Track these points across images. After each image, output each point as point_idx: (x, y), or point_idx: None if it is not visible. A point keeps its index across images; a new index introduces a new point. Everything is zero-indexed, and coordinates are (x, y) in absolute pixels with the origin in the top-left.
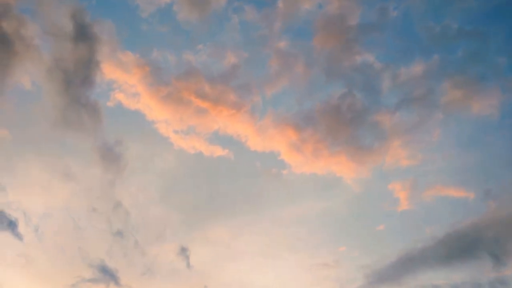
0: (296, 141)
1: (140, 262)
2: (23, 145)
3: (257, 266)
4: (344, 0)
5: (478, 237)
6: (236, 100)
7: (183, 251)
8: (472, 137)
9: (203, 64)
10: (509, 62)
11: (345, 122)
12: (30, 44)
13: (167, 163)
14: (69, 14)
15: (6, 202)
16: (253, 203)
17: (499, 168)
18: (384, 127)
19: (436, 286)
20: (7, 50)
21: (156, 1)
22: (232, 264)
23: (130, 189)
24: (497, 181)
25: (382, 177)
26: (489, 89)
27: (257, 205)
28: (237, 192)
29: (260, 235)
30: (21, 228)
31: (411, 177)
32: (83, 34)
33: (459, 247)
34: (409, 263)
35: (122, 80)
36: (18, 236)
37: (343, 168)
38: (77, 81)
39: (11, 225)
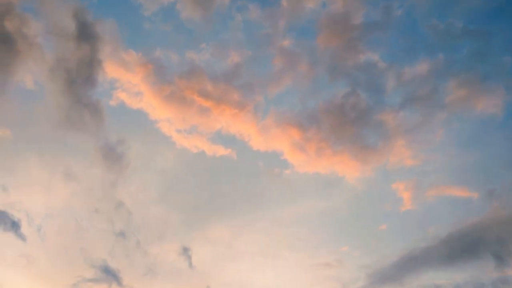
0: (299, 141)
1: (142, 262)
2: (25, 145)
3: (259, 265)
4: None
5: (481, 237)
6: (239, 99)
7: (185, 251)
8: (476, 137)
9: (206, 63)
10: None
11: (349, 121)
12: (32, 43)
13: (169, 163)
14: (71, 13)
15: (8, 202)
16: (255, 202)
17: (502, 168)
18: (387, 126)
19: (438, 286)
20: (9, 49)
21: (159, 0)
22: (234, 263)
23: (132, 188)
24: (501, 181)
25: (385, 177)
26: (493, 88)
27: (259, 204)
28: (239, 192)
29: (262, 234)
30: (23, 228)
31: (415, 177)
32: (85, 33)
33: (462, 247)
34: (412, 263)
35: (125, 79)
36: (20, 236)
37: (346, 168)
38: (79, 80)
39: (13, 225)
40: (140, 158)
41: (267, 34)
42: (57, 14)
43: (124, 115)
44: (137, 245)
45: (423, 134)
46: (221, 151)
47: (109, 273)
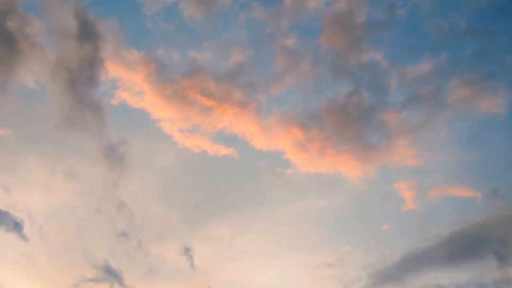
0: (302, 140)
1: (143, 262)
2: (26, 144)
3: (260, 265)
4: None
5: (483, 237)
6: (241, 98)
7: (187, 251)
8: (479, 136)
9: (208, 62)
10: None
11: (351, 120)
12: (34, 42)
13: (170, 162)
14: (73, 12)
15: (9, 202)
16: (256, 202)
17: (506, 168)
18: (390, 126)
19: (440, 286)
20: (11, 49)
21: None
22: (235, 263)
23: (134, 188)
24: (504, 181)
25: (387, 177)
26: (497, 87)
27: (261, 204)
28: (241, 191)
29: (263, 234)
30: (24, 228)
31: (417, 177)
32: (87, 32)
33: (464, 247)
34: (414, 262)
35: (127, 78)
36: (21, 236)
37: (348, 167)
38: (81, 80)
39: (15, 226)
40: (142, 157)
41: (270, 33)
42: (58, 13)
43: (125, 114)
44: (138, 245)
45: (426, 133)
46: (223, 150)
47: (110, 273)
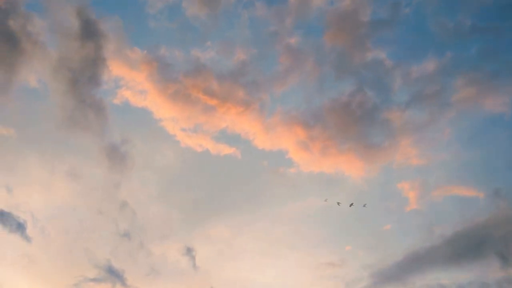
0: (305, 139)
1: (145, 261)
2: (29, 144)
3: (262, 264)
4: None
5: (486, 236)
6: (244, 97)
7: (189, 251)
8: (483, 136)
9: (211, 61)
10: None
11: (355, 120)
12: (36, 41)
13: (173, 162)
14: (76, 11)
15: (11, 202)
16: (259, 202)
17: (509, 167)
18: (394, 125)
19: (442, 285)
20: (13, 48)
21: None
22: (237, 262)
23: (136, 188)
24: (507, 180)
25: (390, 176)
26: (502, 86)
27: (263, 204)
28: (243, 191)
29: (266, 233)
30: (27, 228)
31: (421, 177)
32: (89, 31)
33: (467, 247)
34: (416, 262)
35: (129, 77)
36: (24, 237)
37: (351, 167)
38: (83, 79)
39: (16, 226)
40: (144, 157)
41: (274, 31)
42: (61, 12)
43: (128, 113)
44: (140, 244)
45: (430, 133)
46: (225, 150)
47: (112, 273)
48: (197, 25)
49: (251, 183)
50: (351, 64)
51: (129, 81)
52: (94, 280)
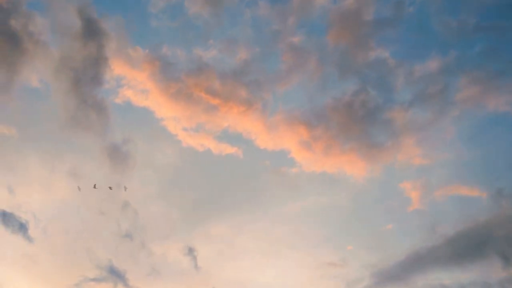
0: (307, 139)
1: (147, 262)
2: (30, 144)
3: (264, 264)
4: None
5: (489, 236)
6: (246, 97)
7: (191, 250)
8: (486, 135)
9: (214, 60)
10: None
11: (357, 119)
12: (38, 40)
13: (174, 161)
14: (77, 10)
15: (13, 203)
16: (261, 201)
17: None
18: (397, 124)
19: (444, 285)
20: (15, 47)
21: None
22: (239, 262)
23: (137, 187)
24: (510, 180)
25: (393, 176)
26: (506, 85)
27: (265, 203)
28: (246, 191)
29: (267, 233)
30: (26, 227)
31: (423, 176)
32: (92, 30)
33: (469, 247)
34: (417, 262)
35: (131, 76)
36: (24, 236)
37: (353, 167)
38: (85, 78)
39: (19, 226)
40: (145, 156)
41: (277, 30)
42: (63, 11)
43: (130, 113)
44: (142, 244)
45: (433, 132)
46: (227, 149)
47: (112, 272)
48: (200, 24)
49: (253, 182)
50: (354, 63)
51: (131, 80)
52: (95, 280)
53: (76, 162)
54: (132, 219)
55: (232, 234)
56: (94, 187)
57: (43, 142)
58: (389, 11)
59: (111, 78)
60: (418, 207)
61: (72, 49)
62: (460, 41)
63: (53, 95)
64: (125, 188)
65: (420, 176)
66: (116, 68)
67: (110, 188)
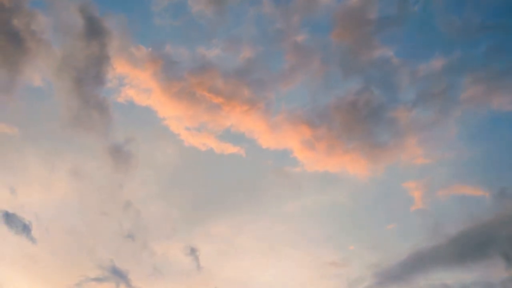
0: (310, 138)
1: (148, 262)
2: (32, 143)
3: (265, 263)
4: None
5: (491, 236)
6: (250, 96)
7: (193, 251)
8: (490, 135)
9: (217, 59)
10: None
11: (361, 119)
12: (40, 39)
13: (176, 161)
14: (80, 8)
15: (14, 203)
16: (263, 201)
17: None
18: (400, 124)
19: (447, 285)
20: (17, 46)
21: None
22: (241, 262)
23: (139, 187)
24: None
25: (396, 176)
26: (510, 85)
27: (267, 203)
28: (249, 190)
29: (269, 233)
30: (29, 228)
31: (426, 176)
32: (94, 29)
33: (472, 247)
34: (420, 262)
35: (134, 75)
36: (26, 237)
37: (356, 166)
38: (87, 77)
39: (20, 226)
40: (147, 156)
41: (281, 29)
42: (65, 10)
43: (132, 112)
44: (143, 244)
45: (437, 132)
46: (230, 149)
47: (114, 272)
48: (203, 23)
49: (255, 182)
50: (358, 62)
51: (133, 79)
52: (96, 279)
53: (78, 162)
54: (134, 218)
55: (234, 233)
56: None
57: (45, 142)
58: (393, 10)
59: (114, 77)
60: (421, 207)
61: (74, 48)
62: (465, 40)
63: (55, 94)
64: None
65: (423, 176)
66: (119, 67)
67: None
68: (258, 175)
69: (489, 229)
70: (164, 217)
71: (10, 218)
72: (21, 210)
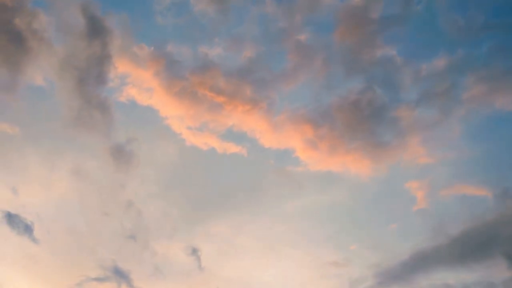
0: (312, 138)
1: (150, 261)
2: (33, 143)
3: (267, 263)
4: None
5: (494, 236)
6: (252, 95)
7: (195, 250)
8: (494, 134)
9: (219, 58)
10: None
11: (363, 118)
12: (42, 38)
13: (178, 160)
14: (82, 7)
15: (14, 200)
16: (265, 201)
17: None
18: (403, 123)
19: (449, 285)
20: (19, 45)
21: None
22: (242, 261)
23: (141, 186)
24: None
25: (399, 175)
26: None
27: (270, 203)
28: (250, 190)
29: (271, 232)
30: (31, 228)
31: (429, 176)
32: (96, 28)
33: (474, 246)
34: (422, 262)
35: (135, 74)
36: (28, 237)
37: (359, 166)
38: (89, 77)
39: (22, 226)
40: (149, 155)
41: (283, 28)
42: (67, 8)
43: (134, 111)
44: (145, 244)
45: (440, 131)
46: (232, 148)
47: (114, 272)
48: (205, 22)
49: (257, 181)
50: (361, 62)
51: (135, 78)
52: (97, 279)
53: (80, 161)
54: (136, 218)
55: (237, 233)
56: None
57: (47, 141)
58: (396, 9)
59: (115, 76)
60: (423, 207)
61: (76, 47)
62: (468, 39)
63: (57, 94)
64: None
65: (426, 176)
66: (120, 66)
67: None
68: (260, 175)
69: (492, 229)
70: (165, 216)
71: (12, 219)
72: (23, 210)
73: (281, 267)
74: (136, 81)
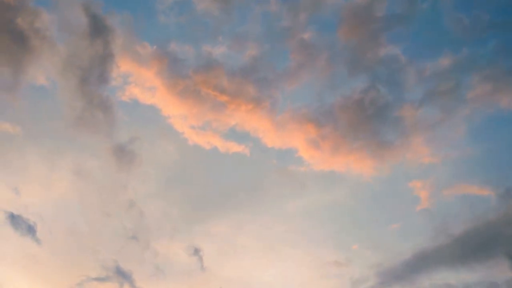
0: (315, 137)
1: (151, 261)
2: (35, 142)
3: (268, 263)
4: None
5: (496, 236)
6: (255, 94)
7: (197, 250)
8: (497, 134)
9: (222, 57)
10: None
11: (367, 117)
12: (44, 37)
13: (181, 160)
14: (84, 6)
15: (16, 200)
16: (268, 200)
17: None
18: (407, 123)
19: (450, 285)
20: (21, 44)
21: None
22: (244, 261)
23: (142, 186)
24: None
25: (402, 175)
26: None
27: (272, 202)
28: (253, 189)
29: (273, 232)
30: (34, 229)
31: (432, 175)
32: (99, 27)
33: (476, 246)
34: (424, 262)
35: (138, 73)
36: (30, 237)
37: (362, 166)
38: (92, 76)
39: (24, 226)
40: (152, 154)
41: (287, 27)
42: (69, 8)
43: (136, 110)
44: (146, 244)
45: (443, 131)
46: (234, 147)
47: (117, 272)
48: (208, 20)
49: (260, 181)
50: (365, 60)
51: (138, 77)
52: (98, 279)
53: (82, 161)
54: (137, 218)
55: (237, 233)
56: None
57: (48, 141)
58: (401, 7)
59: (118, 75)
60: (426, 206)
61: (78, 46)
62: (473, 38)
63: (59, 93)
64: None
65: (429, 175)
66: (123, 65)
67: None
68: (262, 174)
69: (494, 229)
70: (167, 216)
71: (15, 220)
72: (25, 210)
73: (282, 266)
74: (139, 80)
